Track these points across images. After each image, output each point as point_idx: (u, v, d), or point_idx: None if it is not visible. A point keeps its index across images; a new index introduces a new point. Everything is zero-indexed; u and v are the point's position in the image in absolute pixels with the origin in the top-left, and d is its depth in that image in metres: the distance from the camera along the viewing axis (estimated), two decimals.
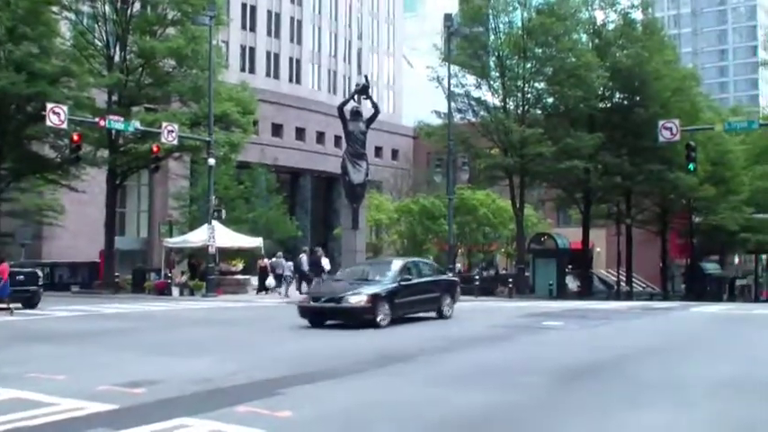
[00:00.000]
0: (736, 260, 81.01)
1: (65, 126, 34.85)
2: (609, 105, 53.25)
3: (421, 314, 23.35)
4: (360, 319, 20.39)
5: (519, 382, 12.21)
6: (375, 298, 20.72)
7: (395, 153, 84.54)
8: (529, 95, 51.08)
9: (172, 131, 37.01)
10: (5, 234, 48.54)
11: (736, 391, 11.28)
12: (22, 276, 30.14)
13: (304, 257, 37.71)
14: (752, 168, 60.62)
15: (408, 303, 21.97)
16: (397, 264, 23.37)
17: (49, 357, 15.59)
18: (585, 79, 47.38)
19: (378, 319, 20.50)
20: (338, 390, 11.67)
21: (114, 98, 43.04)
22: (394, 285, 21.62)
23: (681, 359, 15.34)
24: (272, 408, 9.93)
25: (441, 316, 23.18)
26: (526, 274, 48.80)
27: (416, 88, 79.06)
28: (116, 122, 36.60)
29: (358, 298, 20.66)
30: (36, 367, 13.67)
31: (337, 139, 67.26)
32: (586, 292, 50.19)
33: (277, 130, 72.30)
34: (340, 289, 21.52)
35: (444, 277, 25.60)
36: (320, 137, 76.13)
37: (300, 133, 75.18)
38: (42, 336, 20.29)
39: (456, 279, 27.48)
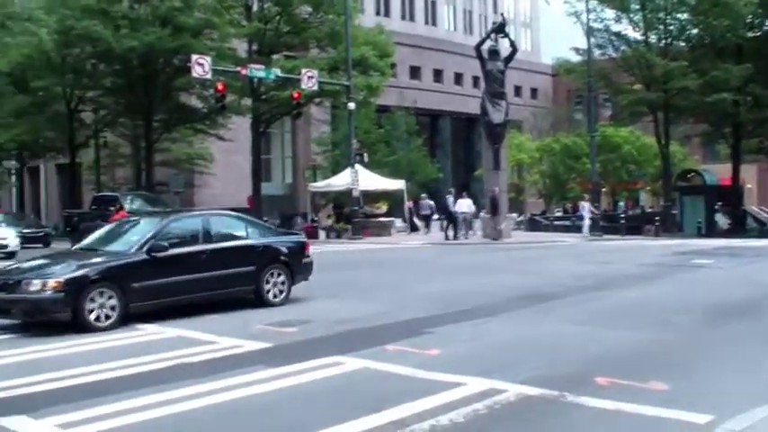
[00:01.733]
0: None
1: (209, 76, 35.78)
2: (758, 34, 50.61)
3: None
4: (48, 316, 12.48)
5: (669, 321, 12.03)
6: (76, 283, 12.40)
7: (534, 92, 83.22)
8: (671, 27, 49.09)
9: (311, 77, 37.50)
10: (160, 183, 50.52)
11: None
12: None
13: (450, 199, 37.68)
14: None
15: (172, 286, 13.49)
16: (149, 224, 14.56)
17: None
18: (732, 7, 45.09)
19: (86, 318, 12.29)
20: (485, 328, 11.78)
21: (254, 47, 43.87)
22: (131, 260, 13.31)
23: None
24: (421, 346, 10.14)
25: (261, 302, 14.55)
26: (673, 211, 47.40)
27: (554, 25, 77.24)
28: (257, 71, 37.32)
29: (41, 284, 12.34)
30: (196, 307, 14.29)
31: (475, 80, 66.61)
32: (738, 230, 48.38)
33: (415, 72, 72.21)
34: (22, 270, 13.27)
35: (272, 240, 15.73)
36: (458, 78, 75.64)
37: (438, 75, 74.88)
38: None
39: (299, 242, 16.55)
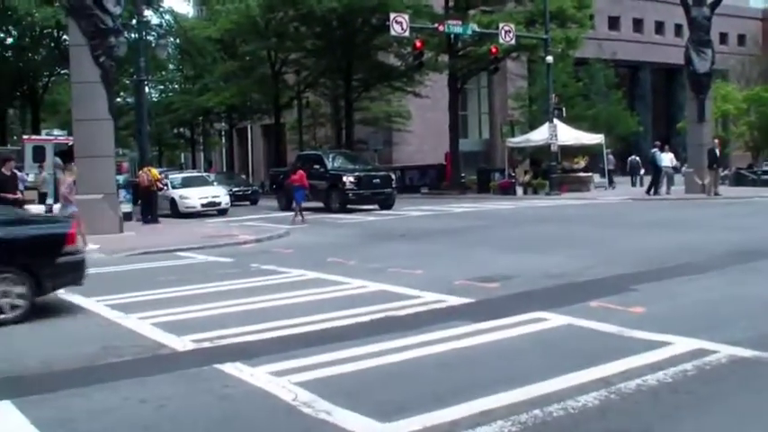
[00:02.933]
0: None
1: (407, 34, 36.17)
2: None
3: None
4: None
5: None
6: None
7: (741, 38, 78.75)
8: None
9: (509, 32, 37.16)
10: (360, 141, 51.78)
11: None
12: (377, 180, 32.29)
13: (658, 153, 36.36)
14: None
15: None
16: None
17: (408, 254, 16.68)
18: None
19: None
20: (691, 285, 11.47)
21: (451, 3, 43.91)
22: None
23: None
24: (625, 303, 10.01)
25: None
26: None
27: None
28: (454, 27, 37.34)
29: None
30: (397, 263, 14.70)
31: (677, 28, 63.86)
32: None
33: (614, 22, 70.01)
34: None
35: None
36: (659, 27, 72.69)
37: (638, 24, 72.26)
38: (398, 234, 21.63)
39: (51, 235, 11.41)
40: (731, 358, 7.38)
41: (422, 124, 53.90)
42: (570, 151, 41.44)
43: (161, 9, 43.77)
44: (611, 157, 42.68)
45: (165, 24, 44.56)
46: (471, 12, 43.35)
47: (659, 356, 7.46)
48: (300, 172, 28.98)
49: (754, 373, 7.02)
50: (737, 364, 7.22)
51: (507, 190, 40.20)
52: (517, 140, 44.01)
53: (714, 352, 7.54)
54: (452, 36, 40.74)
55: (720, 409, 6.20)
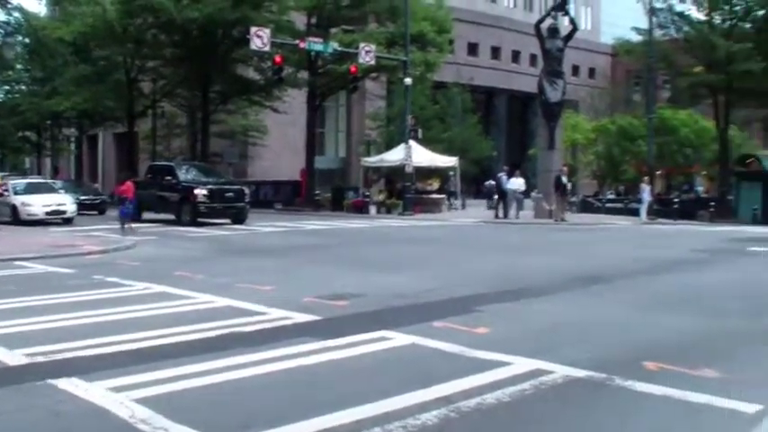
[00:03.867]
0: None
1: (267, 48, 35.98)
2: None
3: None
4: None
5: (724, 308, 11.87)
6: None
7: (592, 71, 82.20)
8: (737, 8, 48.09)
9: (369, 52, 37.51)
10: (215, 154, 51.08)
11: None
12: (231, 193, 31.87)
13: (503, 177, 37.41)
14: None
15: None
16: None
17: (257, 270, 16.48)
18: None
19: None
20: (535, 308, 11.75)
21: (313, 20, 44.00)
22: None
23: None
24: (469, 324, 10.14)
25: None
26: (729, 197, 46.63)
27: (614, 4, 76.17)
28: (315, 44, 37.42)
29: None
30: (246, 278, 14.49)
31: (533, 58, 66.04)
32: None
33: (473, 49, 71.80)
34: None
35: None
36: (516, 56, 75.07)
37: (496, 52, 74.38)
38: (250, 249, 21.42)
39: None
40: (566, 378, 7.57)
41: (279, 139, 53.69)
42: (424, 173, 42.11)
43: (9, 6, 42.10)
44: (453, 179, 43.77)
45: (13, 22, 42.87)
46: (333, 30, 43.58)
47: (499, 376, 7.57)
48: (128, 183, 28.55)
49: (587, 391, 7.22)
50: (572, 384, 7.42)
51: (361, 209, 40.47)
52: (373, 160, 44.40)
53: (551, 372, 7.72)
54: (313, 53, 40.80)
55: (553, 426, 6.37)
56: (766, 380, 7.73)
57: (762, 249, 22.07)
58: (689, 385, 7.27)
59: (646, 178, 41.17)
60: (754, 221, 41.56)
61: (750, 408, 6.64)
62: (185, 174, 33.08)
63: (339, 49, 38.36)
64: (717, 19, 48.04)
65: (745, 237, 26.90)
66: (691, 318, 11.00)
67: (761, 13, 48.37)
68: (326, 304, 11.72)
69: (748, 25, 48.68)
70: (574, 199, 47.47)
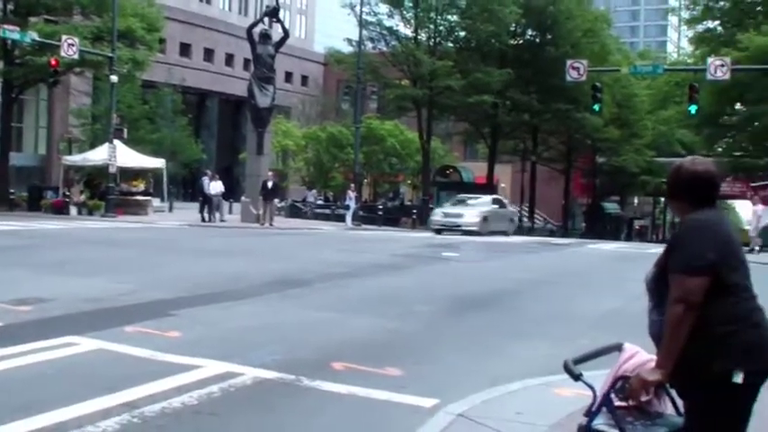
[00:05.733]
0: (636, 201, 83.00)
1: None
2: (520, 42, 53.53)
3: None
4: None
5: (413, 310, 12.43)
6: None
7: (305, 79, 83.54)
8: (441, 27, 50.91)
9: (72, 45, 35.70)
10: None
11: (611, 324, 11.54)
12: None
13: (206, 181, 37.12)
14: (655, 113, 61.74)
15: None
16: None
17: None
18: (498, 14, 47.34)
19: None
20: (231, 311, 11.70)
21: (10, 7, 41.22)
22: None
23: (569, 293, 15.81)
24: (162, 328, 9.90)
25: None
26: (430, 206, 49.19)
27: (330, 14, 78.03)
28: (11, 32, 35.06)
29: None
30: None
31: (246, 63, 65.95)
32: None
33: (185, 50, 70.55)
34: None
35: None
36: (229, 59, 74.65)
37: (209, 54, 73.56)
38: None
39: None
40: (256, 380, 7.61)
41: None
42: (130, 174, 40.85)
43: None
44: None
45: None
46: (33, 19, 41.08)
47: (188, 380, 7.46)
48: None
49: (275, 392, 7.30)
50: (261, 386, 7.47)
51: (60, 209, 38.45)
52: (74, 159, 42.47)
53: (241, 374, 7.72)
54: (9, 42, 38.27)
55: (239, 427, 6.37)
56: (442, 376, 8.16)
57: (455, 255, 23.40)
58: (373, 383, 7.54)
59: (352, 185, 42.43)
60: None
61: (428, 402, 7.01)
62: None
63: (38, 39, 36.16)
64: (422, 36, 50.55)
65: (442, 243, 28.40)
66: (382, 319, 11.41)
67: (462, 33, 51.53)
68: (10, 309, 10.94)
69: (451, 44, 51.72)
70: (282, 204, 48.01)
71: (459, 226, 35.47)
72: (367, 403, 7.01)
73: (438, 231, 35.88)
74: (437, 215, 37.78)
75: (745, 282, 3.82)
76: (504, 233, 37.51)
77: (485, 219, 35.98)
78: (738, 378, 3.62)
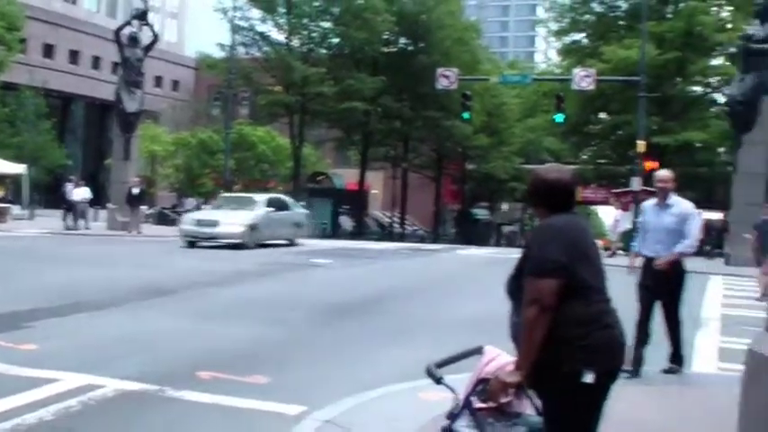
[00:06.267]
0: (505, 207, 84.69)
1: None
2: (393, 50, 54.06)
3: None
4: None
5: (281, 318, 12.35)
6: None
7: (175, 84, 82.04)
8: (314, 34, 50.96)
9: None
10: None
11: (478, 328, 11.66)
12: None
13: (70, 187, 35.90)
14: (524, 121, 63.17)
15: None
16: None
17: None
18: (371, 22, 47.71)
19: None
20: (92, 322, 11.34)
21: None
22: None
23: (437, 299, 16.01)
24: (17, 341, 9.45)
25: None
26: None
27: (202, 18, 77.07)
28: None
29: None
30: None
31: (115, 66, 64.13)
32: (360, 233, 51.16)
33: (48, 51, 68.23)
34: None
35: None
36: (96, 62, 72.57)
37: (74, 56, 71.34)
38: None
39: None
40: (118, 392, 7.36)
41: None
42: None
43: None
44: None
45: None
46: None
47: (44, 394, 7.13)
48: None
49: (138, 404, 7.08)
50: (123, 397, 7.23)
51: None
52: None
53: (102, 387, 7.45)
54: None
55: None
56: (310, 383, 8.08)
57: (324, 261, 23.35)
58: (239, 392, 7.43)
59: (221, 191, 41.86)
60: (324, 235, 44.10)
61: (294, 409, 6.94)
62: None
63: None
64: (296, 42, 50.46)
65: (311, 250, 28.27)
66: (248, 328, 11.26)
67: (335, 40, 51.67)
68: None
69: (324, 51, 51.80)
70: (151, 211, 46.99)
71: (214, 237, 27.75)
72: (233, 412, 6.89)
73: (191, 244, 27.91)
74: (188, 222, 29.39)
75: (598, 284, 3.91)
76: (290, 242, 30.82)
77: (253, 227, 27.92)
78: (588, 378, 3.71)
